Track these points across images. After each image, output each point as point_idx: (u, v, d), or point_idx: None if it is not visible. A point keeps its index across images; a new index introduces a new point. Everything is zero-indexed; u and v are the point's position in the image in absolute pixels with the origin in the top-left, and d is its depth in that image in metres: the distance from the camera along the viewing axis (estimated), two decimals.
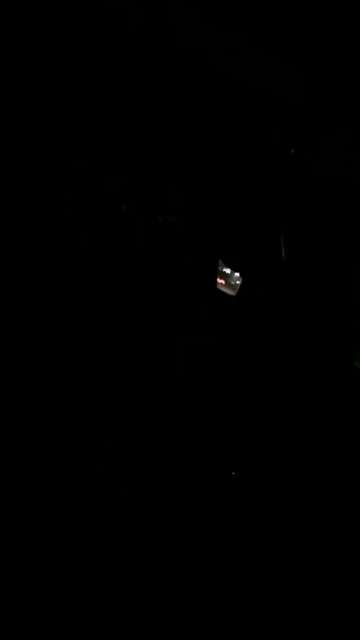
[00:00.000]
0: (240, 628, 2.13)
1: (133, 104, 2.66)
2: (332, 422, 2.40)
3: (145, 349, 2.53)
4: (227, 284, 2.62)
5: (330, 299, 2.52)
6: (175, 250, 2.64)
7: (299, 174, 2.57)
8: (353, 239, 2.53)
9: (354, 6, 2.13)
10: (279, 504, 2.32)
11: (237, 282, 2.60)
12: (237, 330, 2.56)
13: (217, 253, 2.62)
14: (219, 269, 2.61)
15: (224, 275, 2.63)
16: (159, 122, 2.65)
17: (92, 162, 2.67)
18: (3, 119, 2.63)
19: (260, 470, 2.37)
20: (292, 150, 2.60)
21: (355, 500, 2.30)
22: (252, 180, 2.63)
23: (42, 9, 2.41)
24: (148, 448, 2.39)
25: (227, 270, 2.61)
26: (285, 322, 2.53)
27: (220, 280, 2.61)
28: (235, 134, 2.63)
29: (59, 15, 2.44)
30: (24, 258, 2.58)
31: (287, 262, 2.56)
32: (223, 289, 2.61)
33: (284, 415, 2.44)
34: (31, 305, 2.53)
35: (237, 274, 2.60)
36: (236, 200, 2.64)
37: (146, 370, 2.50)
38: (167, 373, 2.50)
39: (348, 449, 2.38)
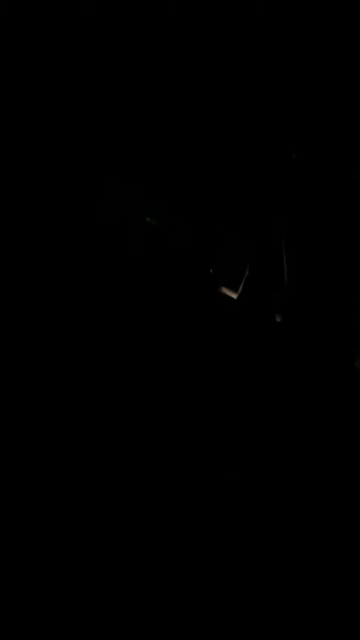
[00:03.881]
0: (240, 626, 2.12)
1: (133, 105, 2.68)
2: (333, 424, 2.41)
3: (144, 350, 2.53)
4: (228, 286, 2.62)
5: (332, 298, 2.53)
6: (175, 250, 2.65)
7: (300, 176, 2.59)
8: (354, 237, 2.54)
9: None
10: (279, 504, 2.33)
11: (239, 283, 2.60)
12: (237, 332, 2.57)
13: (217, 253, 2.63)
14: (220, 268, 2.62)
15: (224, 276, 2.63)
16: (158, 124, 2.67)
17: (93, 161, 2.69)
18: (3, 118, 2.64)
19: (259, 472, 2.37)
20: (293, 155, 2.61)
21: (356, 501, 2.31)
22: (252, 181, 2.64)
23: None
24: (148, 449, 2.38)
25: (228, 270, 2.62)
26: (287, 322, 2.54)
27: (220, 282, 2.62)
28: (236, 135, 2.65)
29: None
30: (24, 259, 2.59)
31: (288, 262, 2.57)
32: (223, 291, 2.62)
33: (284, 417, 2.44)
34: (31, 307, 2.54)
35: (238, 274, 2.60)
36: (237, 199, 2.65)
37: (146, 372, 2.51)
38: (167, 375, 2.50)
39: (349, 452, 2.38)
